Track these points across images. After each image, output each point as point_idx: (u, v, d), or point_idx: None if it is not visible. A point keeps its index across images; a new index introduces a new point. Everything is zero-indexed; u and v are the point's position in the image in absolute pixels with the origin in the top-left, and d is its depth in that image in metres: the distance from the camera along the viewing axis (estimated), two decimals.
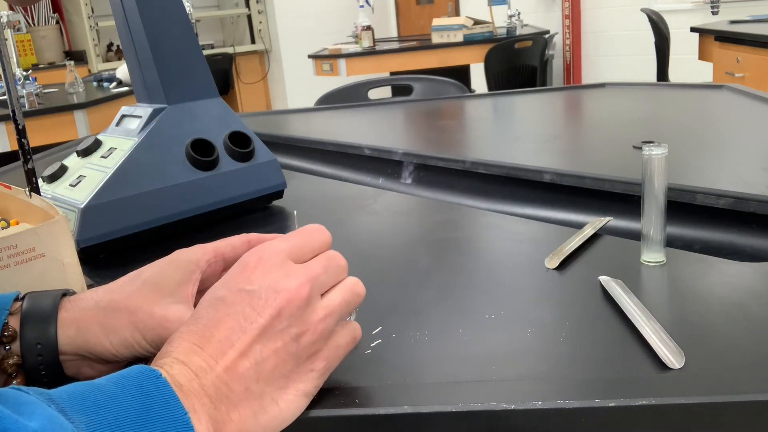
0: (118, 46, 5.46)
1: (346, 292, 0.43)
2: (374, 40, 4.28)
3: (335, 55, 4.08)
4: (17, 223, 0.62)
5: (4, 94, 1.34)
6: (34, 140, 1.12)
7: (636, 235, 0.62)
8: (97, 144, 0.80)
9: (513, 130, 1.29)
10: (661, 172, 0.57)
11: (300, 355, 0.41)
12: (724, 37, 3.10)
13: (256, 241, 0.50)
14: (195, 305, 0.46)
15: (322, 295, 0.43)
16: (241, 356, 0.39)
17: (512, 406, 0.40)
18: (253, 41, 5.95)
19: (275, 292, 0.41)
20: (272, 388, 0.40)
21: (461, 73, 4.44)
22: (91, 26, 5.17)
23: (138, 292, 0.47)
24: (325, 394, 0.43)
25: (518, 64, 4.04)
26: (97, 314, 0.46)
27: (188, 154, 0.77)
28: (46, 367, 0.45)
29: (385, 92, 3.52)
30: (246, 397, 0.39)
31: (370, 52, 4.13)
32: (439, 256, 0.66)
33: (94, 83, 3.56)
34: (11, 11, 2.02)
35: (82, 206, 0.71)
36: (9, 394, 0.32)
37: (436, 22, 4.20)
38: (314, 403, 0.42)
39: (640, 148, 0.62)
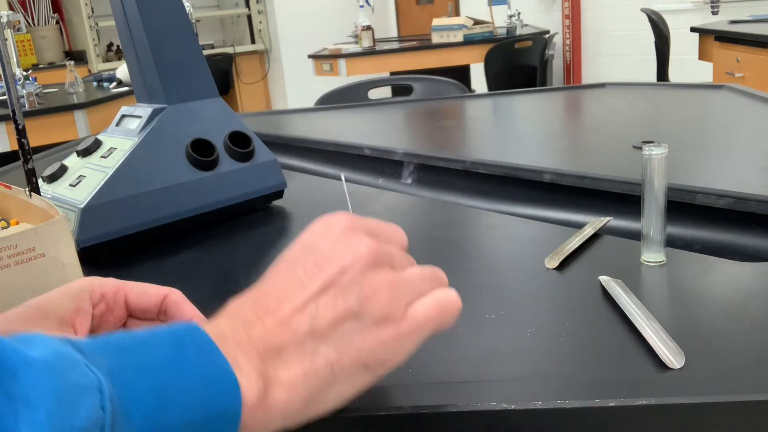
0: (118, 46, 5.46)
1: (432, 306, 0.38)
2: (374, 40, 4.28)
3: (335, 55, 4.08)
4: (17, 223, 0.62)
5: (4, 94, 1.34)
6: (34, 140, 1.11)
7: (636, 235, 0.62)
8: (97, 144, 0.80)
9: (513, 130, 1.29)
10: (661, 172, 0.57)
11: (363, 316, 0.36)
12: (724, 37, 3.09)
13: (174, 296, 0.46)
14: None
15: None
16: (297, 310, 0.35)
17: (512, 406, 0.40)
18: (253, 41, 5.95)
19: (345, 249, 0.38)
20: (328, 348, 0.35)
21: (461, 73, 4.45)
22: (91, 26, 5.17)
23: (20, 316, 0.42)
24: None
25: (518, 64, 4.04)
26: None
27: (188, 154, 0.77)
28: None
29: (385, 92, 3.52)
30: (297, 353, 0.35)
31: (370, 52, 4.13)
32: (439, 256, 0.66)
33: (94, 83, 3.55)
34: (11, 11, 2.02)
35: (82, 206, 0.71)
36: (20, 336, 0.29)
37: (436, 22, 4.20)
38: None
39: (640, 148, 0.62)
